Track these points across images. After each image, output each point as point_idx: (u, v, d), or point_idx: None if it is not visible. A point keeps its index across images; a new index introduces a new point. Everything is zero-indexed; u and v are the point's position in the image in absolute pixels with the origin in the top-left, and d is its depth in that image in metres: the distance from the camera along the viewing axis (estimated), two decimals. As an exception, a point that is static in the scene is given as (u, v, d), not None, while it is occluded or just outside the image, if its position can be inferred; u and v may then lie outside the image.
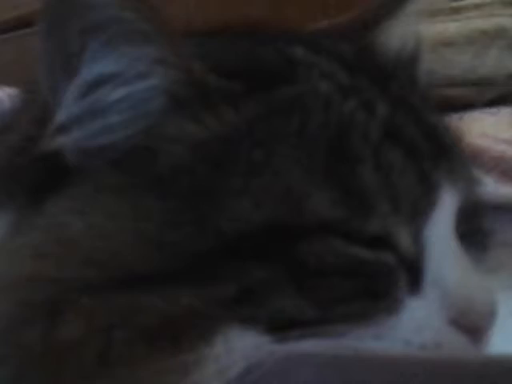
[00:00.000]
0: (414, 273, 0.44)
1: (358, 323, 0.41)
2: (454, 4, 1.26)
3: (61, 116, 0.42)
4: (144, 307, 0.39)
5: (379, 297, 0.42)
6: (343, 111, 0.44)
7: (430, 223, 0.44)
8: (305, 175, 0.42)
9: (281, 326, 0.40)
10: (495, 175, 1.09)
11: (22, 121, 0.48)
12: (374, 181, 0.43)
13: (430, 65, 1.22)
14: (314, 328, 0.40)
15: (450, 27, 1.25)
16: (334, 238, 0.41)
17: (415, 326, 0.43)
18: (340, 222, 0.42)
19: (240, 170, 0.42)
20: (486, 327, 0.44)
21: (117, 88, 0.42)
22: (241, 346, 0.39)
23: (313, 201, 0.41)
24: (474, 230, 0.49)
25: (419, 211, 0.44)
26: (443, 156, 0.46)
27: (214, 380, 0.38)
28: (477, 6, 1.30)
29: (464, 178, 0.47)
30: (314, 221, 0.41)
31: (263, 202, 0.41)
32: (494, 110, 1.23)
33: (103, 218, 0.41)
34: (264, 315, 0.40)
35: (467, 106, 1.21)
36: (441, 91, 1.16)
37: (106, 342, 0.39)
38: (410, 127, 0.45)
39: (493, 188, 1.01)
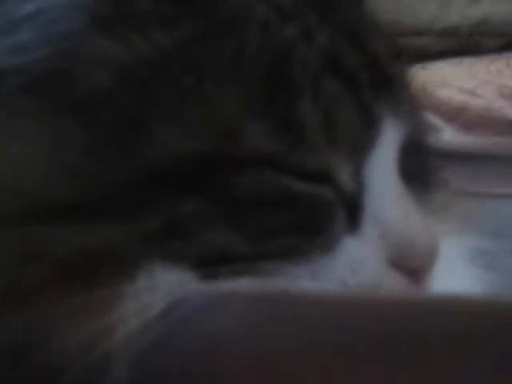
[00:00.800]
0: (352, 210, 0.41)
1: (291, 260, 0.39)
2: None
3: None
4: (61, 241, 0.36)
5: (314, 233, 0.40)
6: (282, 38, 0.41)
7: (370, 158, 0.42)
8: (240, 104, 0.39)
9: (209, 262, 0.37)
10: (456, 125, 1.08)
11: None
12: (312, 113, 0.40)
13: (393, 14, 1.20)
14: (245, 264, 0.38)
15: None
16: (268, 169, 0.39)
17: (352, 265, 0.40)
18: (275, 155, 0.39)
19: (169, 97, 0.38)
20: (426, 268, 0.42)
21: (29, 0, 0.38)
22: (165, 282, 0.37)
23: (247, 131, 0.39)
24: (417, 168, 0.46)
25: (359, 145, 0.42)
26: (384, 87, 0.43)
27: (134, 317, 0.35)
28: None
29: (407, 113, 0.45)
30: (248, 153, 0.39)
31: (194, 132, 0.38)
32: (457, 60, 1.21)
33: (18, 144, 0.38)
34: (191, 250, 0.37)
35: (430, 55, 1.19)
36: (404, 40, 1.14)
37: (18, 276, 0.36)
38: (351, 56, 0.42)
39: (450, 137, 1.00)
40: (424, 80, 1.10)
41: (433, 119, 0.99)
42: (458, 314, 0.34)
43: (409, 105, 0.46)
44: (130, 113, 0.38)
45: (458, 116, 1.11)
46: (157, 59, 0.39)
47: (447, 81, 1.16)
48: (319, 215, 0.40)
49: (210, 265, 0.37)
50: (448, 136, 1.00)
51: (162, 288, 0.36)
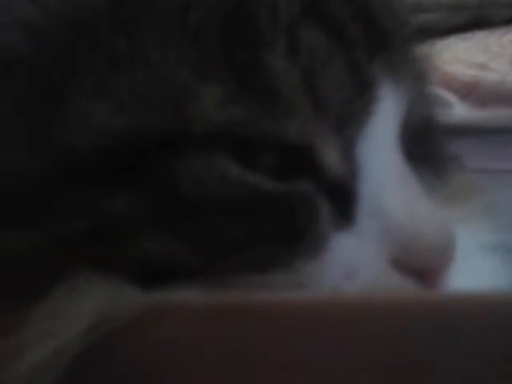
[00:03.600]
0: (343, 200, 0.31)
1: (265, 272, 0.29)
2: None
3: None
4: None
5: (294, 238, 0.30)
6: None
7: (365, 133, 0.32)
8: (188, 67, 0.29)
9: (153, 275, 0.28)
10: (470, 101, 0.99)
11: None
12: (287, 70, 0.30)
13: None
14: (201, 278, 0.28)
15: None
16: (222, 155, 0.29)
17: (346, 269, 0.31)
18: (239, 125, 0.29)
19: (97, 64, 0.29)
20: (439, 267, 0.32)
21: None
22: (92, 295, 0.28)
23: (200, 100, 0.29)
24: (427, 149, 0.36)
25: (351, 115, 0.31)
26: (381, 44, 0.33)
27: (47, 339, 0.27)
28: None
29: (410, 79, 0.34)
30: (201, 128, 0.29)
31: (128, 105, 0.29)
32: (468, 34, 1.13)
33: None
34: (125, 259, 0.28)
35: (440, 32, 1.11)
36: (412, 18, 1.05)
37: None
38: (337, 5, 0.32)
39: (462, 111, 0.91)
40: (435, 57, 1.00)
41: (445, 95, 0.89)
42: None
43: (413, 71, 0.36)
44: (46, 84, 0.29)
45: (471, 92, 1.02)
46: (79, 18, 0.30)
47: (458, 56, 1.07)
48: (297, 215, 0.30)
49: (153, 278, 0.28)
50: (462, 112, 0.90)
51: (87, 302, 0.28)
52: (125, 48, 0.29)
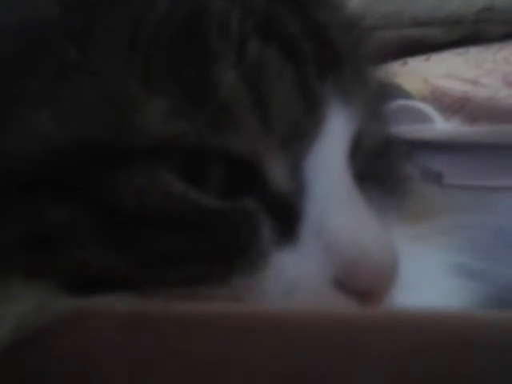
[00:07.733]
0: (287, 217, 0.31)
1: (203, 286, 0.29)
2: None
3: None
4: None
5: (233, 254, 0.30)
6: None
7: (312, 151, 0.32)
8: (136, 80, 0.30)
9: (86, 283, 0.28)
10: (461, 117, 0.99)
11: None
12: (235, 84, 0.30)
13: (393, 5, 1.11)
14: (137, 289, 0.28)
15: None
16: (166, 169, 0.29)
17: (286, 286, 0.31)
18: (181, 138, 0.29)
19: (44, 72, 0.29)
20: (381, 289, 0.32)
21: None
22: (21, 300, 0.28)
23: (145, 111, 0.29)
24: (383, 170, 0.36)
25: (298, 132, 0.31)
26: (333, 64, 0.33)
27: None
28: None
29: (364, 99, 0.34)
30: (146, 139, 0.29)
31: (71, 115, 0.29)
32: (462, 50, 1.12)
33: None
34: (60, 267, 0.28)
35: (435, 46, 1.10)
36: (407, 31, 1.04)
37: None
38: (291, 22, 0.32)
39: (444, 126, 0.90)
40: (427, 71, 1.00)
41: (427, 110, 0.89)
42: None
43: (369, 92, 0.36)
44: None
45: (462, 107, 1.01)
46: (30, 25, 0.30)
47: (451, 71, 1.07)
48: (238, 234, 0.30)
49: (85, 286, 0.28)
50: (444, 127, 0.90)
51: (17, 309, 0.28)
52: (74, 57, 0.29)
